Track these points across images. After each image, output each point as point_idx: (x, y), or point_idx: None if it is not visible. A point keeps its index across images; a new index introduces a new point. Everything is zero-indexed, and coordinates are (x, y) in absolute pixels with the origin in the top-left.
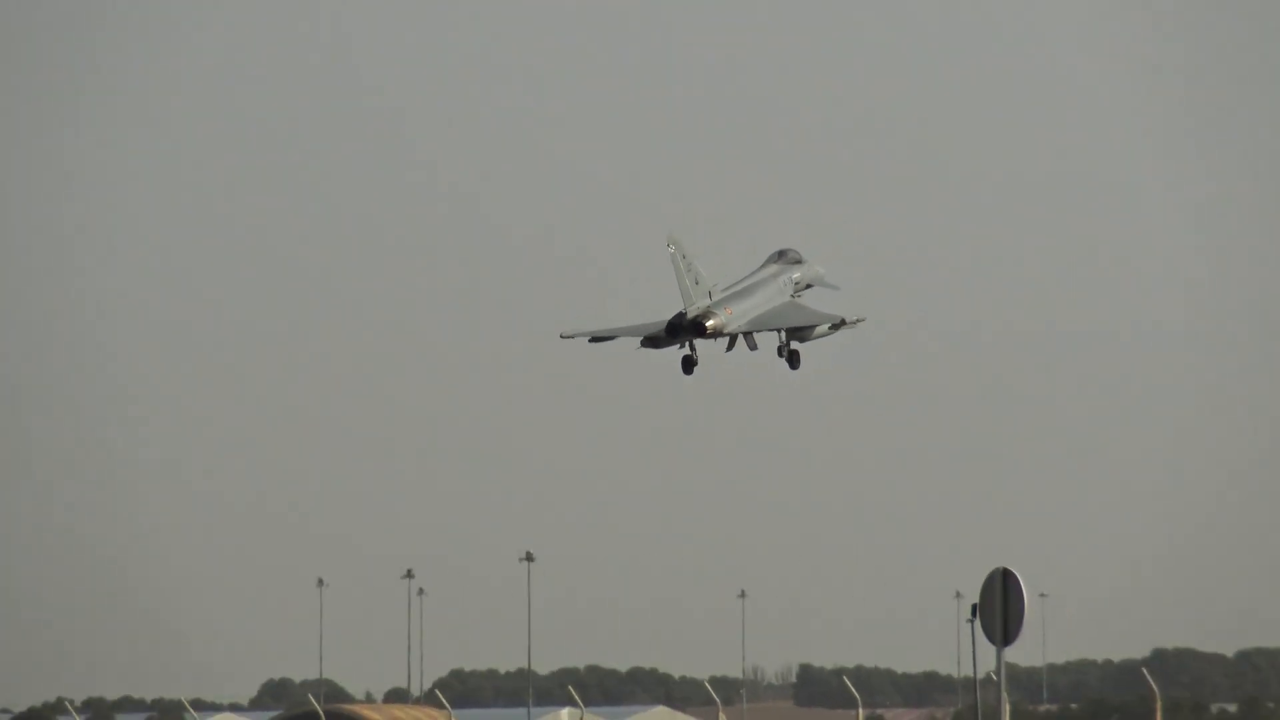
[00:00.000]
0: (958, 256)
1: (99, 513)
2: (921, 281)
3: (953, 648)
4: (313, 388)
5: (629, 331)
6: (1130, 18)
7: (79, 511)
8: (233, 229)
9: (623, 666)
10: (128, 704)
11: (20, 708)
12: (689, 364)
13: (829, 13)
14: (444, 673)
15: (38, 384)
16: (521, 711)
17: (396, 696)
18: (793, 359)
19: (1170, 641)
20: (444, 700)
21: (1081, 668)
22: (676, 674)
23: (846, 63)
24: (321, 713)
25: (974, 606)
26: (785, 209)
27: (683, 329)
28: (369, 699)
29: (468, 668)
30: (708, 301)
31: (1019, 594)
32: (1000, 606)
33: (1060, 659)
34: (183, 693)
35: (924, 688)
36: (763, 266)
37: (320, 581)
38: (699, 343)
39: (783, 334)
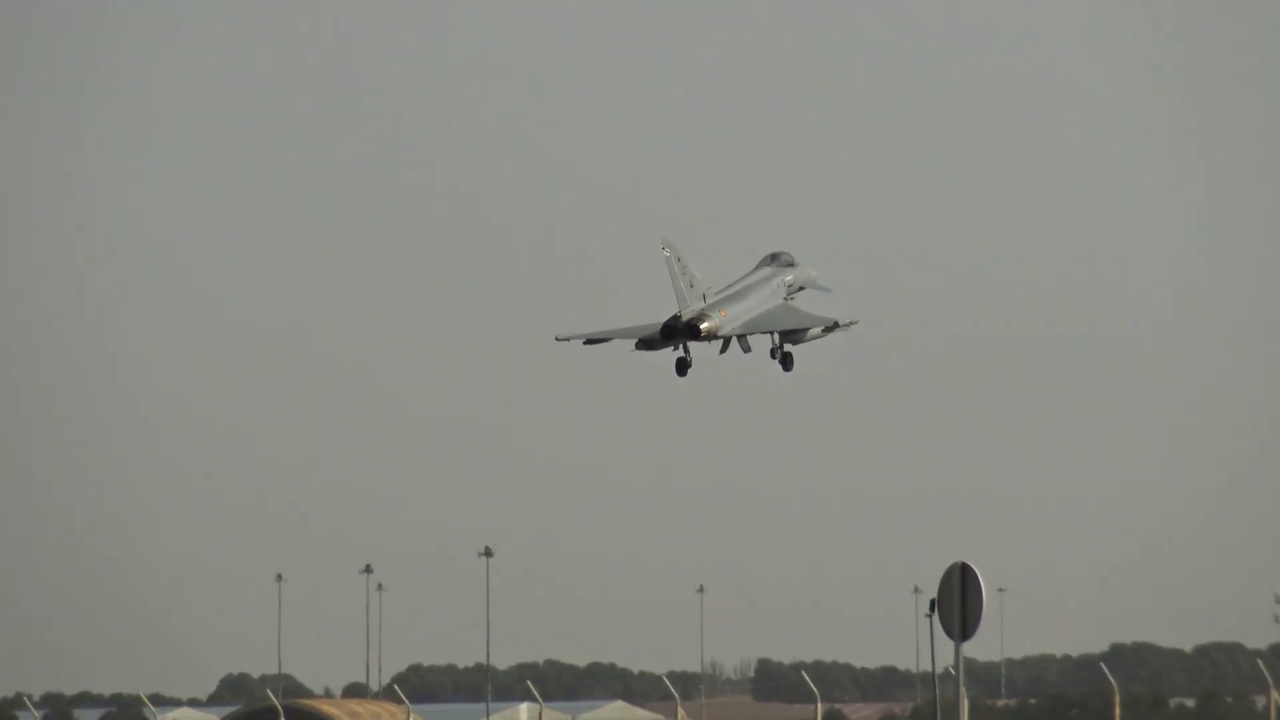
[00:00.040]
0: (957, 256)
1: (61, 510)
2: (921, 281)
3: (911, 643)
4: (311, 387)
5: (624, 334)
6: (1130, 18)
7: (44, 508)
8: (233, 229)
9: (581, 661)
10: (86, 699)
11: None
12: (683, 366)
13: (829, 13)
14: (403, 668)
15: (38, 384)
16: (480, 706)
17: (355, 691)
18: (786, 361)
19: (1129, 636)
20: (402, 695)
21: (1040, 663)
22: (635, 669)
23: (846, 63)
24: (280, 708)
25: (932, 601)
26: (784, 209)
27: (677, 331)
28: (328, 694)
29: (426, 663)
30: (702, 304)
31: (977, 589)
32: (959, 601)
33: (1019, 654)
34: (141, 688)
35: (883, 682)
36: (756, 269)
37: (279, 577)
38: (693, 345)
39: (776, 336)
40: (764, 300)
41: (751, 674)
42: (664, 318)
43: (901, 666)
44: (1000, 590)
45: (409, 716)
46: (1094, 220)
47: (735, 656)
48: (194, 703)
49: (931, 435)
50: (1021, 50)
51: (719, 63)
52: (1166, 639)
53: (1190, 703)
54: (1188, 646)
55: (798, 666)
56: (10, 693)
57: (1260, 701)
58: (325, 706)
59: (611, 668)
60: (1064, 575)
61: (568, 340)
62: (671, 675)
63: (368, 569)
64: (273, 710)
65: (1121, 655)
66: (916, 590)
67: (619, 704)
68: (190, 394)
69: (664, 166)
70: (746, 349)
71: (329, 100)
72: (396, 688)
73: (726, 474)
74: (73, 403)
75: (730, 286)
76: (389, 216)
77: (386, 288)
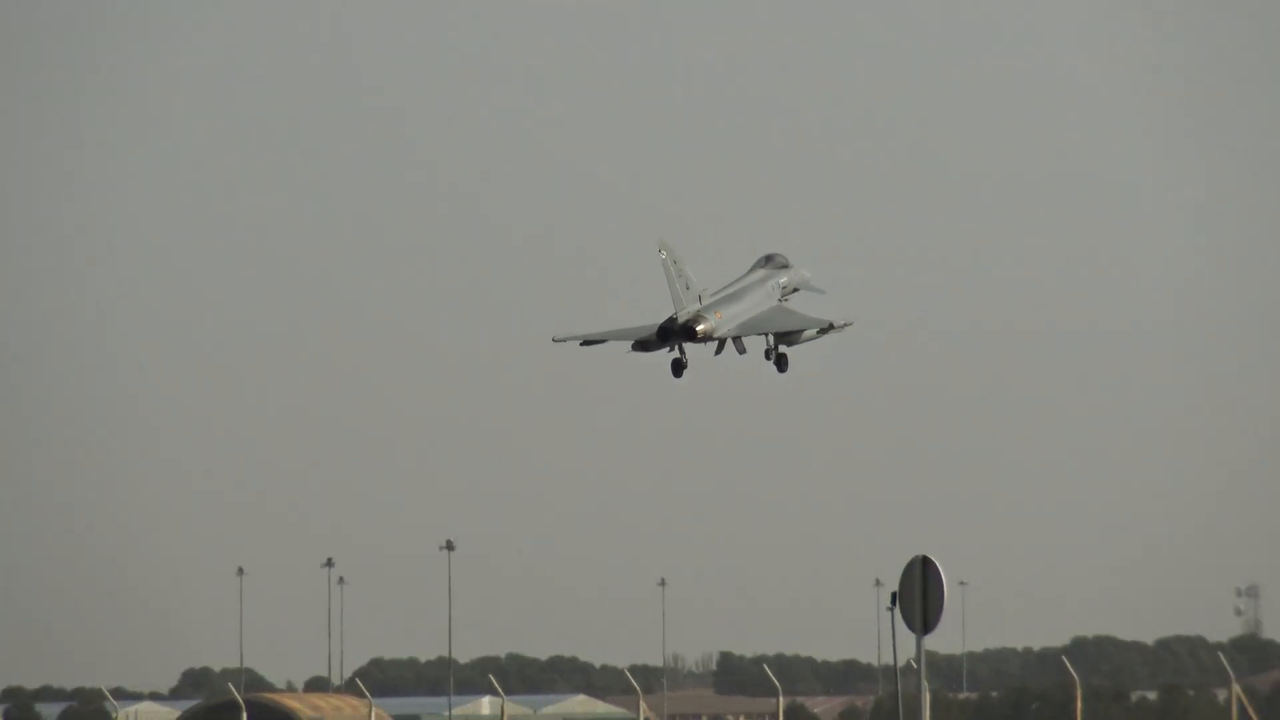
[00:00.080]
0: (957, 256)
1: (40, 507)
2: (921, 281)
3: (873, 636)
4: (309, 387)
5: (620, 335)
6: (1130, 18)
7: (32, 506)
8: (233, 229)
9: (543, 655)
10: (48, 693)
11: None
12: (678, 367)
13: (828, 13)
14: (364, 661)
15: (38, 384)
16: (442, 700)
17: (317, 685)
18: (780, 362)
19: (1090, 629)
20: (364, 689)
21: (1002, 656)
22: (597, 662)
23: (846, 63)
24: (242, 702)
25: (894, 594)
26: (784, 209)
27: (674, 333)
28: (289, 688)
29: (388, 656)
30: (698, 306)
31: (939, 582)
32: (920, 594)
33: (980, 647)
34: (103, 682)
35: (844, 676)
36: (751, 271)
37: (240, 570)
38: (689, 346)
39: (770, 338)
40: (759, 302)
41: (713, 667)
42: (661, 319)
43: (863, 659)
44: (962, 583)
45: (371, 710)
46: (1094, 220)
47: (697, 650)
48: (156, 696)
49: (926, 434)
50: (1021, 50)
51: (719, 63)
52: (1128, 632)
53: (1152, 695)
54: (1149, 639)
55: (759, 660)
56: None
57: (1222, 694)
58: (287, 700)
59: (573, 661)
60: (1025, 568)
61: (564, 341)
62: (633, 669)
63: (329, 562)
64: (234, 704)
65: (1083, 648)
66: (878, 583)
67: (581, 698)
68: (190, 394)
69: (664, 166)
70: (742, 350)
71: (329, 100)
72: (358, 681)
73: (687, 469)
74: (73, 403)
75: (726, 288)
76: (389, 216)
77: (386, 288)
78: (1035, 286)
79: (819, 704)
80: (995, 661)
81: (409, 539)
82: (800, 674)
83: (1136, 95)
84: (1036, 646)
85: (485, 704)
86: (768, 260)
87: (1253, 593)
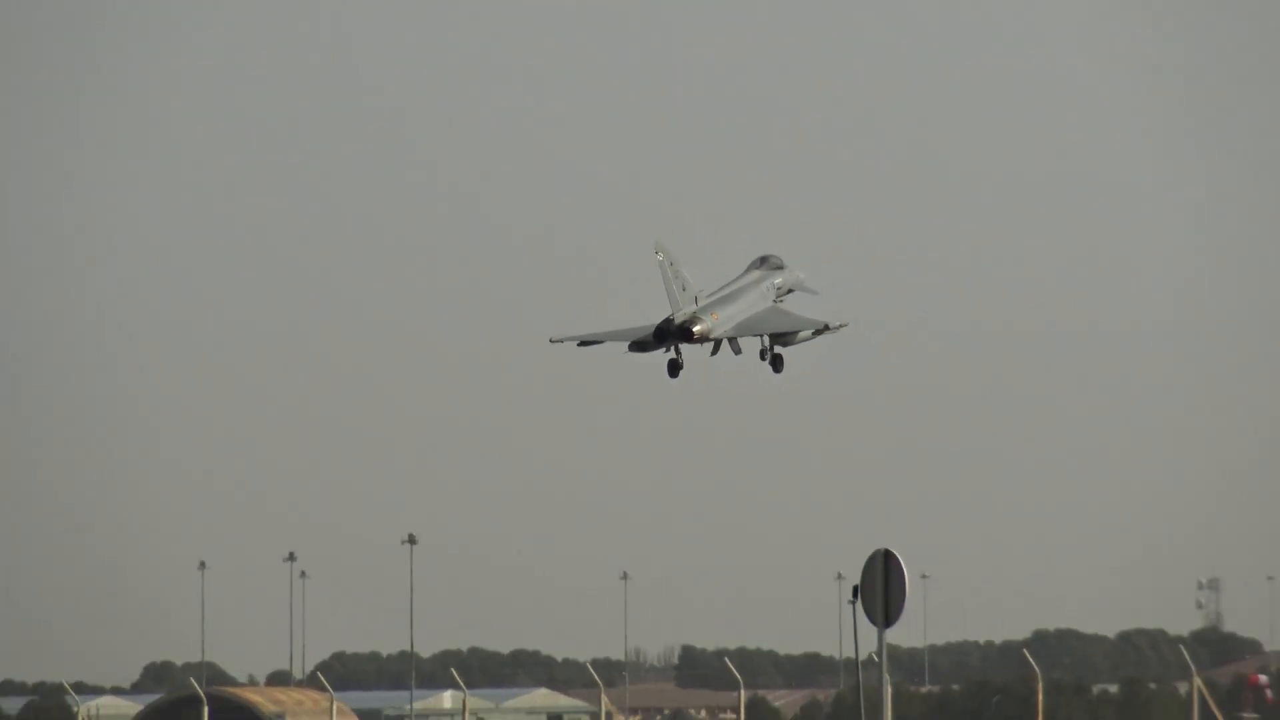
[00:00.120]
0: (957, 256)
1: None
2: (921, 281)
3: (835, 629)
4: (309, 387)
5: (617, 336)
6: (1130, 18)
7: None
8: (233, 229)
9: (505, 649)
10: (9, 687)
11: None
12: (674, 367)
13: (828, 13)
14: (326, 655)
15: (38, 384)
16: (404, 694)
17: (279, 679)
18: (776, 363)
19: (1051, 623)
20: (326, 683)
21: (963, 649)
22: (559, 656)
23: (846, 63)
24: (203, 696)
25: (855, 588)
26: (783, 210)
27: (670, 334)
28: (251, 681)
29: (350, 650)
30: (694, 307)
31: (900, 575)
32: (882, 588)
33: (942, 640)
34: (64, 676)
35: (806, 669)
36: (746, 272)
37: (202, 564)
38: (684, 347)
39: (766, 339)
40: (754, 303)
41: (675, 661)
42: (658, 319)
43: (825, 653)
44: (923, 577)
45: (332, 704)
46: (1094, 220)
47: (659, 643)
48: (117, 691)
49: (858, 427)
50: (1021, 50)
51: (718, 63)
52: (1089, 625)
53: (1113, 689)
54: (1110, 633)
55: (721, 653)
56: None
57: (1183, 687)
58: (249, 694)
59: (535, 655)
60: (987, 562)
61: (561, 342)
62: (595, 662)
63: (291, 556)
64: (196, 698)
65: (1044, 642)
66: (839, 577)
67: (543, 691)
68: (190, 394)
69: (663, 167)
70: (738, 351)
71: (329, 100)
72: (320, 675)
73: (649, 463)
74: (73, 403)
75: (721, 289)
76: (389, 216)
77: (386, 288)
78: (1035, 286)
79: (780, 697)
80: (957, 655)
81: (371, 533)
82: (762, 667)
83: (1136, 95)
84: (998, 640)
85: (447, 698)
86: (763, 261)
87: (1214, 586)
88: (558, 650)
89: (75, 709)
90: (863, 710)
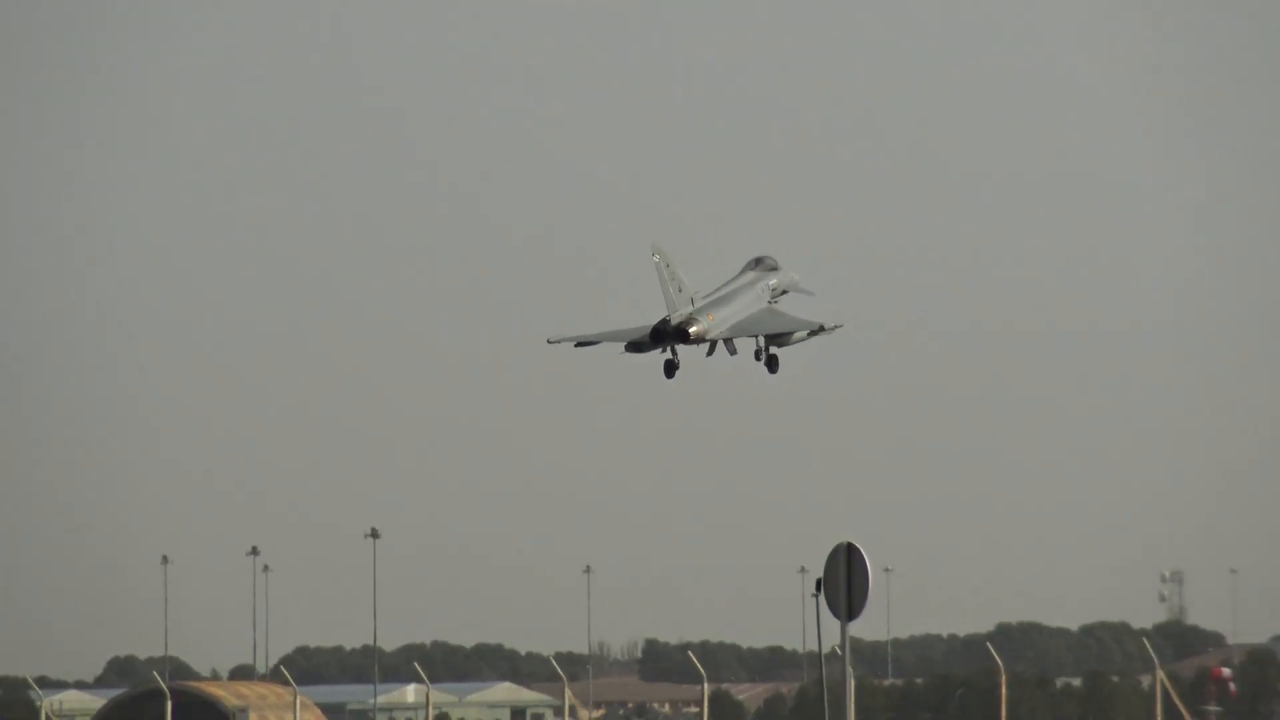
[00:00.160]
0: (957, 256)
1: None
2: (921, 281)
3: (798, 623)
4: (310, 387)
5: (614, 337)
6: (1130, 18)
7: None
8: (233, 229)
9: (468, 642)
10: None
11: None
12: (670, 368)
13: (828, 13)
14: (289, 649)
15: (38, 384)
16: (368, 688)
17: (242, 673)
18: (771, 363)
19: (1015, 616)
20: (289, 677)
21: (926, 642)
22: (522, 650)
23: (846, 63)
24: (167, 690)
25: (818, 581)
26: (783, 210)
27: (667, 335)
28: (215, 676)
29: (313, 644)
30: (690, 308)
31: (863, 569)
32: (844, 581)
33: (905, 634)
34: (28, 670)
35: (769, 663)
36: (741, 274)
37: (165, 559)
38: (680, 347)
39: (761, 339)
40: (749, 304)
41: (638, 654)
42: (655, 320)
43: (788, 646)
44: (886, 570)
45: (296, 698)
46: (1094, 220)
47: (622, 637)
48: (81, 685)
49: (824, 421)
50: (1021, 50)
51: (718, 63)
52: (1053, 619)
53: (1076, 682)
54: (1074, 626)
55: (684, 647)
56: None
57: (1146, 681)
58: (212, 688)
59: (498, 649)
60: (950, 555)
61: (559, 343)
62: (559, 656)
63: (254, 551)
64: (159, 693)
65: (1008, 635)
66: (802, 570)
67: (506, 685)
68: (190, 394)
69: (663, 167)
70: (733, 351)
71: (329, 100)
72: (283, 669)
73: (613, 457)
74: (73, 403)
75: (717, 291)
76: (389, 216)
77: (386, 288)
78: (1035, 286)
79: (744, 691)
80: (920, 648)
81: (334, 527)
82: (725, 661)
83: (1136, 95)
84: (961, 633)
85: (410, 692)
86: (757, 263)
87: (1177, 579)
88: (521, 644)
89: (39, 703)
90: (826, 704)
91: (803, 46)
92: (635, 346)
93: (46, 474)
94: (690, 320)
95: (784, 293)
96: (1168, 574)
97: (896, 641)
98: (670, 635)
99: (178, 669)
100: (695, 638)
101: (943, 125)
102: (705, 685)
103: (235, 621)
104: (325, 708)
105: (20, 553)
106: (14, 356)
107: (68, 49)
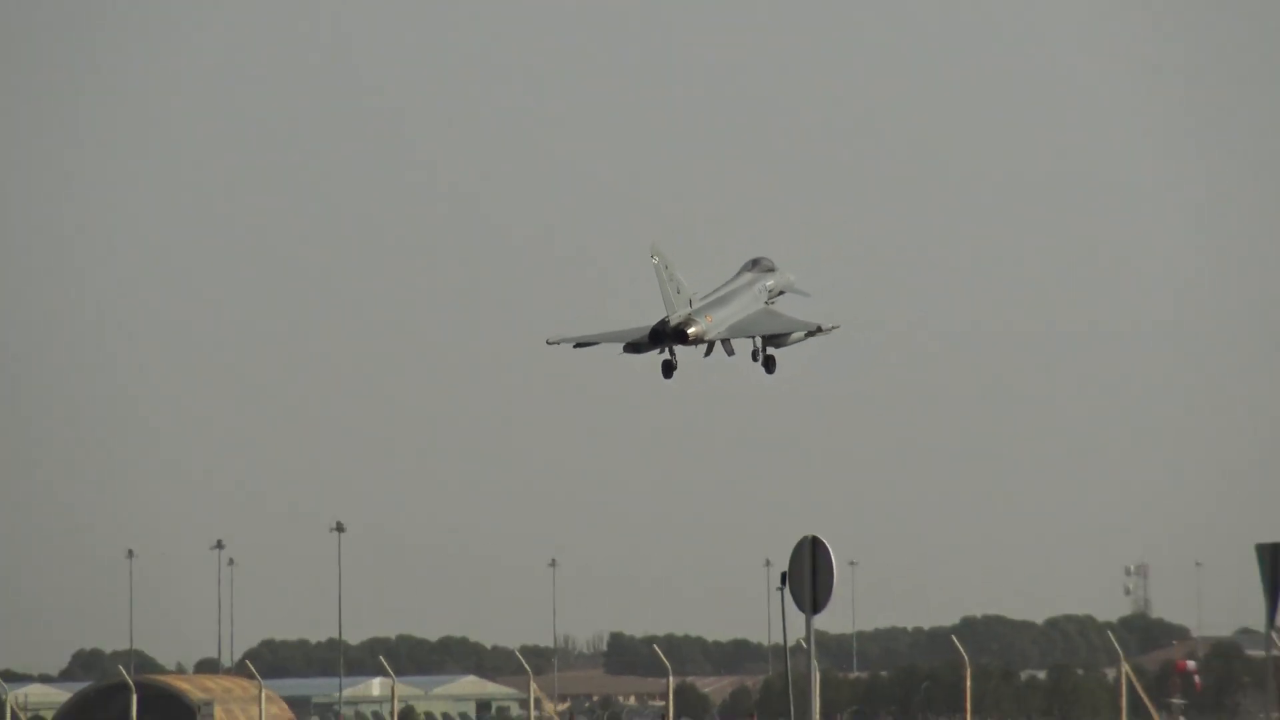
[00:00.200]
0: (957, 256)
1: None
2: (921, 281)
3: (763, 616)
4: (310, 387)
5: (612, 337)
6: (1130, 18)
7: None
8: (233, 229)
9: (433, 636)
10: None
11: None
12: (669, 368)
13: (828, 13)
14: (255, 643)
15: (38, 384)
16: (333, 681)
17: (207, 667)
18: (769, 364)
19: (979, 609)
20: (254, 671)
21: (891, 635)
22: (488, 643)
23: (846, 63)
24: (132, 684)
25: (783, 574)
26: (783, 210)
27: (665, 336)
28: (180, 669)
29: (278, 638)
30: (689, 309)
31: (828, 562)
32: (809, 574)
33: (870, 627)
34: None
35: (734, 656)
36: (738, 275)
37: (130, 553)
38: (678, 348)
39: (758, 340)
40: (747, 305)
41: (604, 647)
42: (654, 321)
43: (753, 639)
44: (851, 563)
45: (261, 691)
46: (1094, 220)
47: (587, 630)
48: (45, 679)
49: (799, 417)
50: (1021, 50)
51: (718, 63)
52: (1018, 612)
53: (1041, 675)
54: (1039, 619)
55: (649, 640)
56: None
57: (1111, 673)
58: (177, 682)
59: (464, 642)
60: (915, 548)
61: (558, 343)
62: (524, 649)
63: (219, 544)
64: (125, 686)
65: (972, 628)
66: (768, 563)
67: (471, 678)
68: (190, 394)
69: (663, 167)
70: (730, 352)
71: (329, 100)
72: (248, 663)
73: (577, 450)
74: (73, 403)
75: (715, 292)
76: (389, 216)
77: (386, 288)
78: (1035, 286)
79: (709, 684)
80: (885, 641)
81: (299, 520)
82: (690, 654)
83: (1136, 95)
84: (926, 626)
85: (376, 685)
86: (754, 264)
87: (1142, 572)
88: (486, 637)
89: (3, 697)
90: (791, 697)
91: (803, 46)
92: (634, 347)
93: (46, 474)
94: (689, 321)
95: (781, 293)
96: (1133, 567)
97: (862, 634)
98: (635, 628)
99: (143, 662)
100: (660, 631)
101: (943, 125)
102: (670, 678)
103: (200, 615)
104: (291, 701)
105: None
106: (14, 356)
107: (68, 49)
